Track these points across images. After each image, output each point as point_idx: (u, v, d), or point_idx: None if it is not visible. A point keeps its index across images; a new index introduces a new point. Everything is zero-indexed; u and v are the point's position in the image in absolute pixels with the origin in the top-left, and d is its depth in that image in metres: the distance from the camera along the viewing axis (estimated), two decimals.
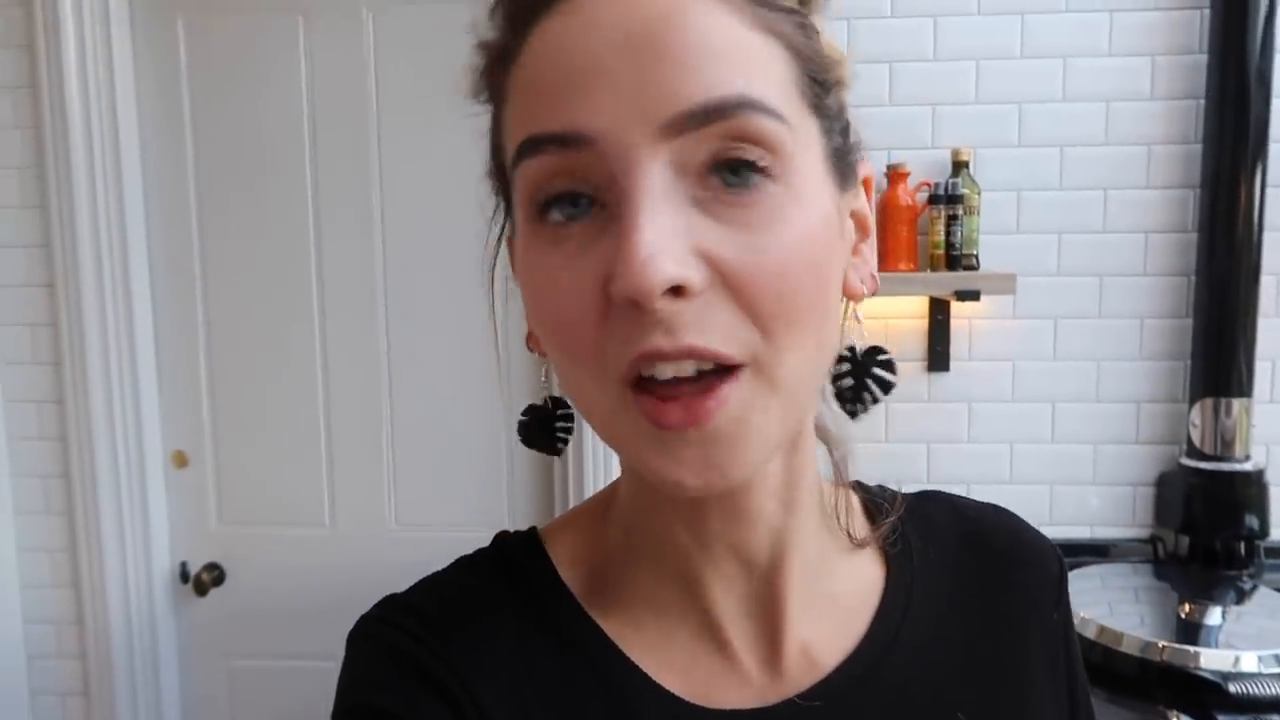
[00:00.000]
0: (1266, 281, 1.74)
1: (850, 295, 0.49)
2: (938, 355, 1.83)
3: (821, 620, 0.53)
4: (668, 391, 0.41)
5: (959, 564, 0.58)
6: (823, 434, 0.56)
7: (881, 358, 0.51)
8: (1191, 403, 1.77)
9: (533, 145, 0.42)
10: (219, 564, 2.03)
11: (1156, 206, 1.78)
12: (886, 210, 1.75)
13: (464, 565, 0.55)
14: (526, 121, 0.42)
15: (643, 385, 0.41)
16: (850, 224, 0.49)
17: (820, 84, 0.45)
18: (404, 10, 1.89)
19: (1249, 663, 1.38)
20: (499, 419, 1.96)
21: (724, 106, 0.40)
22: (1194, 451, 1.77)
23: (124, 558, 1.96)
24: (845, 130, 0.48)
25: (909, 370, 1.85)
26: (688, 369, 0.40)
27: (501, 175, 0.50)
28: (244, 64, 1.93)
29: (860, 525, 0.58)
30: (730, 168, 0.41)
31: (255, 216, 1.95)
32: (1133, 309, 1.81)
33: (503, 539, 0.57)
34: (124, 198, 1.91)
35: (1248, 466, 1.74)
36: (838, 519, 0.56)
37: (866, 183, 0.51)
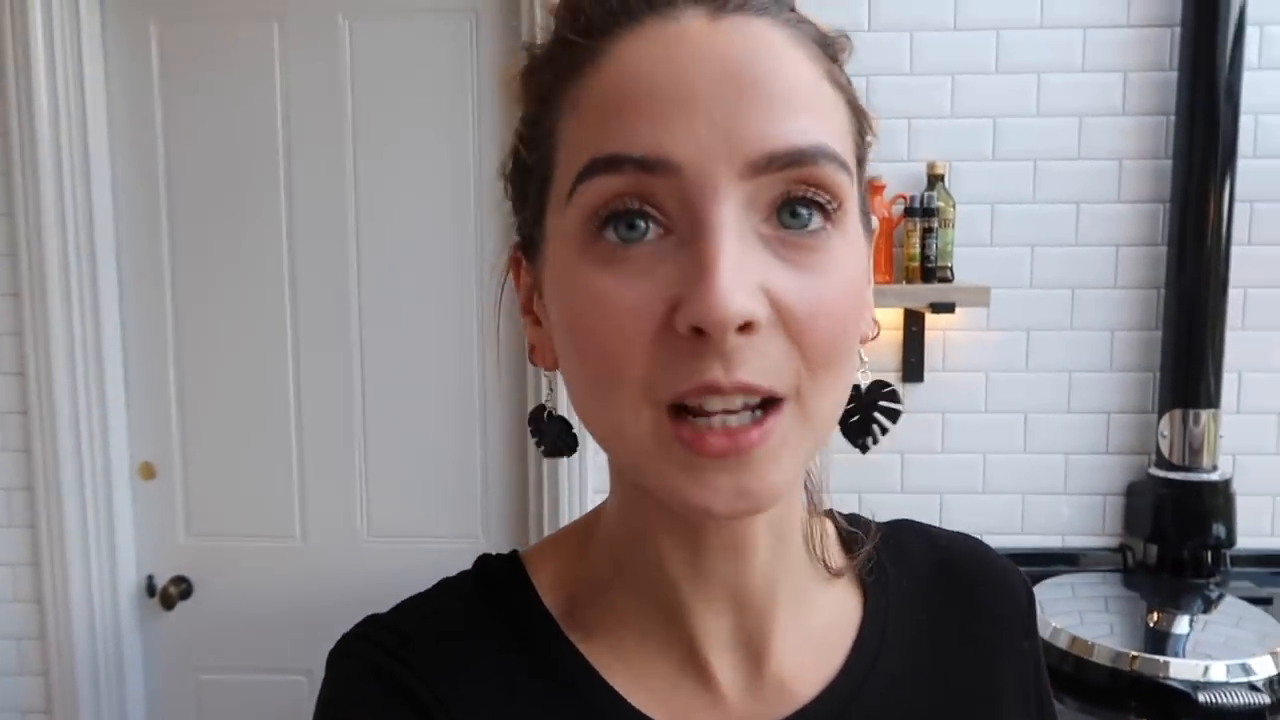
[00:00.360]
0: (1234, 294, 1.77)
1: (860, 339, 0.50)
2: (912, 367, 1.85)
3: (801, 651, 0.54)
4: (709, 422, 0.41)
5: (932, 593, 0.59)
6: None
7: (885, 390, 0.53)
8: (1160, 413, 1.79)
9: (611, 164, 0.41)
10: (187, 577, 2.00)
11: (1127, 220, 1.81)
12: None
13: (445, 587, 0.55)
14: (602, 138, 0.42)
15: (679, 413, 0.42)
16: None
17: (861, 146, 0.47)
18: (381, 20, 1.88)
19: (1218, 672, 1.40)
20: (473, 430, 1.95)
21: (807, 154, 0.41)
22: (1163, 462, 1.79)
23: (89, 571, 1.92)
24: (865, 190, 0.50)
25: None
26: (736, 404, 0.41)
27: (531, 188, 0.48)
28: (218, 71, 1.90)
29: (836, 554, 0.58)
30: (793, 209, 0.42)
31: (227, 226, 1.93)
32: (1103, 321, 1.83)
33: (484, 562, 0.57)
34: (93, 206, 1.87)
35: (1215, 476, 1.77)
36: (814, 549, 0.56)
37: (873, 237, 0.53)
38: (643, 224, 0.41)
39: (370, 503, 1.97)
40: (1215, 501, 1.77)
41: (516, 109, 0.50)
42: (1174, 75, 1.77)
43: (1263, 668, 1.40)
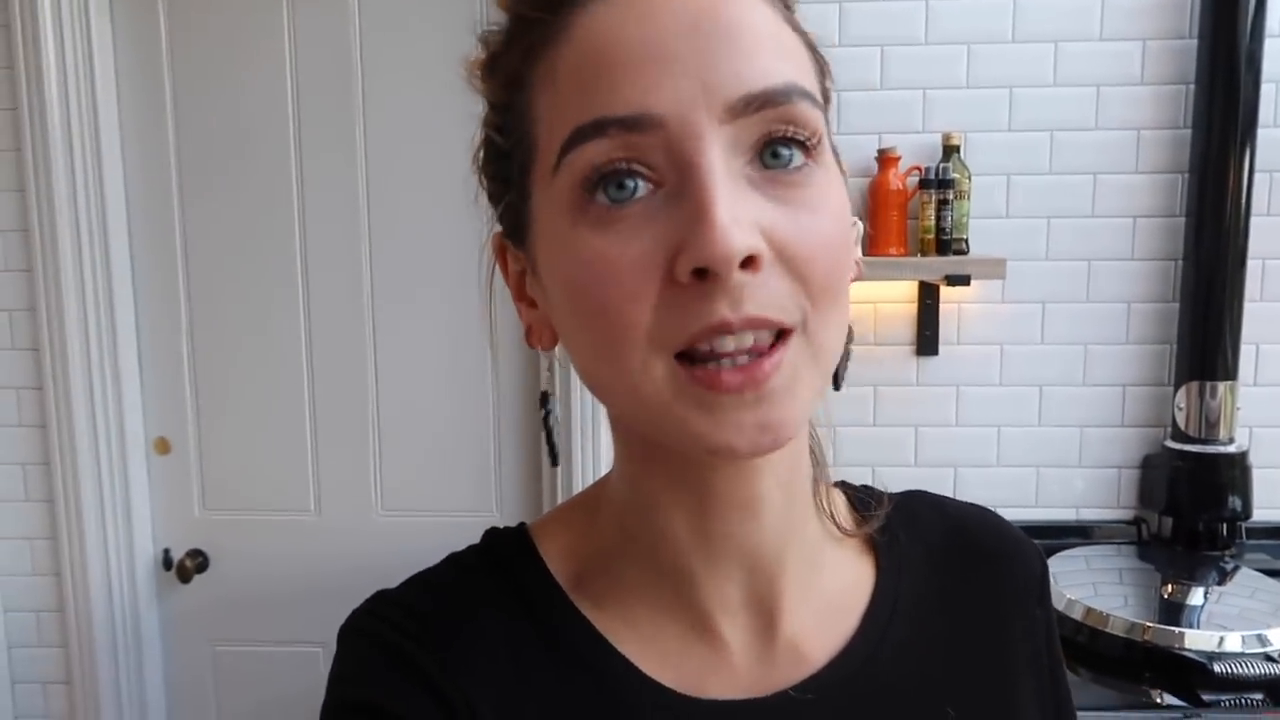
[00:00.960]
0: (1252, 266, 1.75)
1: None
2: (926, 340, 1.84)
3: (813, 615, 0.54)
4: (720, 363, 0.42)
5: (945, 562, 0.60)
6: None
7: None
8: (1177, 386, 1.78)
9: (596, 128, 0.42)
10: (202, 550, 2.01)
11: (1145, 191, 1.79)
12: (877, 195, 1.75)
13: (454, 561, 0.56)
14: (585, 105, 0.42)
15: (690, 361, 0.43)
16: None
17: (824, 87, 0.48)
18: None
19: (1233, 643, 1.40)
20: (487, 404, 1.95)
21: (781, 92, 0.42)
22: (1179, 434, 1.78)
23: (105, 545, 1.94)
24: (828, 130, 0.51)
25: (898, 354, 1.85)
26: (748, 341, 0.42)
27: (512, 171, 0.49)
28: (227, 44, 1.89)
29: (846, 519, 0.59)
30: (774, 149, 0.43)
31: (239, 200, 1.92)
32: (1120, 293, 1.82)
33: (492, 535, 0.57)
34: (104, 181, 1.87)
35: (1231, 449, 1.76)
36: (823, 508, 0.56)
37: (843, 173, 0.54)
38: (632, 183, 0.42)
39: (384, 476, 1.98)
40: (1231, 474, 1.76)
41: (479, 100, 0.51)
42: (1194, 43, 1.74)
43: (1279, 639, 1.40)
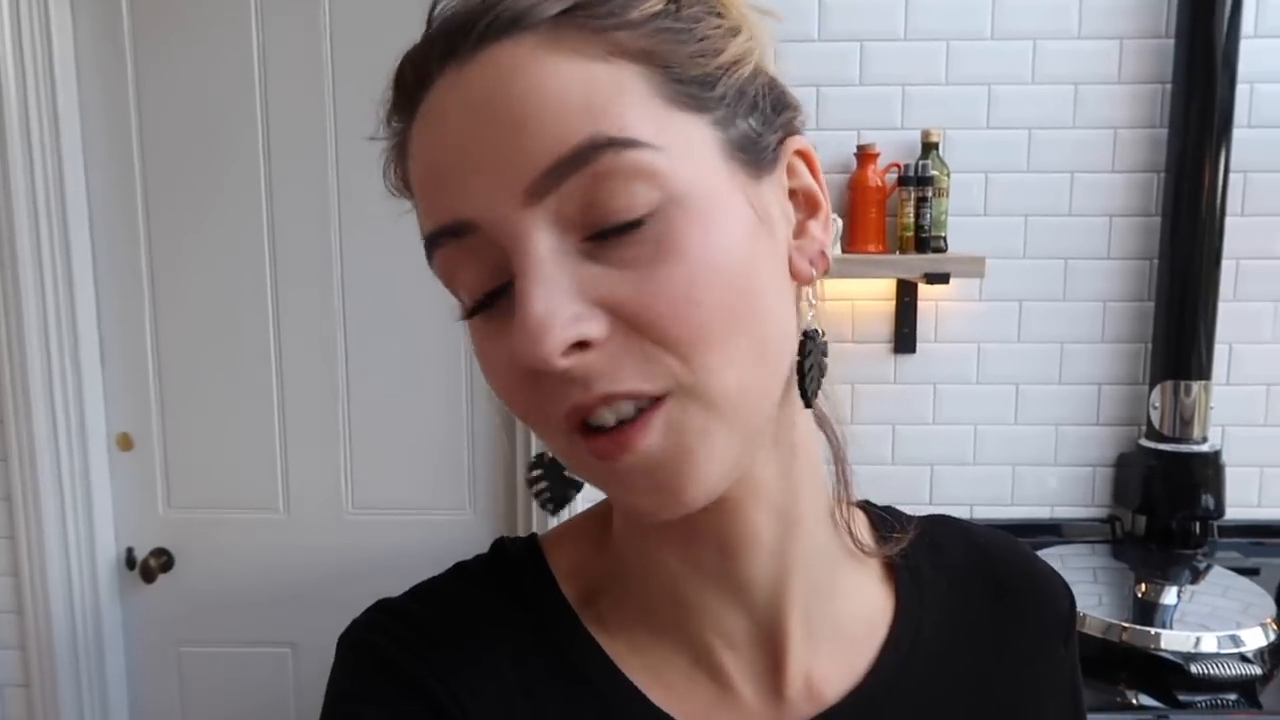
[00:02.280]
0: (1226, 266, 1.76)
1: (797, 279, 0.47)
2: (904, 337, 1.83)
3: (827, 648, 0.52)
4: (606, 430, 0.41)
5: (969, 594, 0.57)
6: (829, 442, 0.54)
7: (815, 340, 0.50)
8: (1152, 385, 1.79)
9: (431, 242, 0.43)
10: (167, 549, 1.97)
11: (1121, 190, 1.79)
12: (856, 191, 1.74)
13: (461, 572, 0.54)
14: (424, 218, 0.44)
15: (589, 428, 0.42)
16: (788, 206, 0.47)
17: (698, 81, 0.43)
18: None
19: (1209, 644, 1.40)
20: (460, 400, 1.92)
21: (577, 156, 0.39)
22: (1153, 433, 1.79)
23: (66, 543, 1.89)
24: (756, 108, 0.45)
25: (875, 352, 1.84)
26: (627, 409, 0.40)
27: None
28: (192, 32, 1.84)
29: (867, 541, 0.56)
30: (614, 229, 0.40)
31: (205, 190, 1.87)
32: (1096, 292, 1.82)
33: (501, 546, 0.55)
34: (63, 169, 1.82)
35: (1205, 448, 1.77)
36: (840, 526, 0.54)
37: (804, 155, 0.48)
38: (497, 290, 0.42)
39: (354, 474, 1.94)
40: (1205, 473, 1.77)
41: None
42: (1171, 43, 1.75)
43: (1253, 639, 1.41)
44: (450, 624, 0.50)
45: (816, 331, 0.49)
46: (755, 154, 0.45)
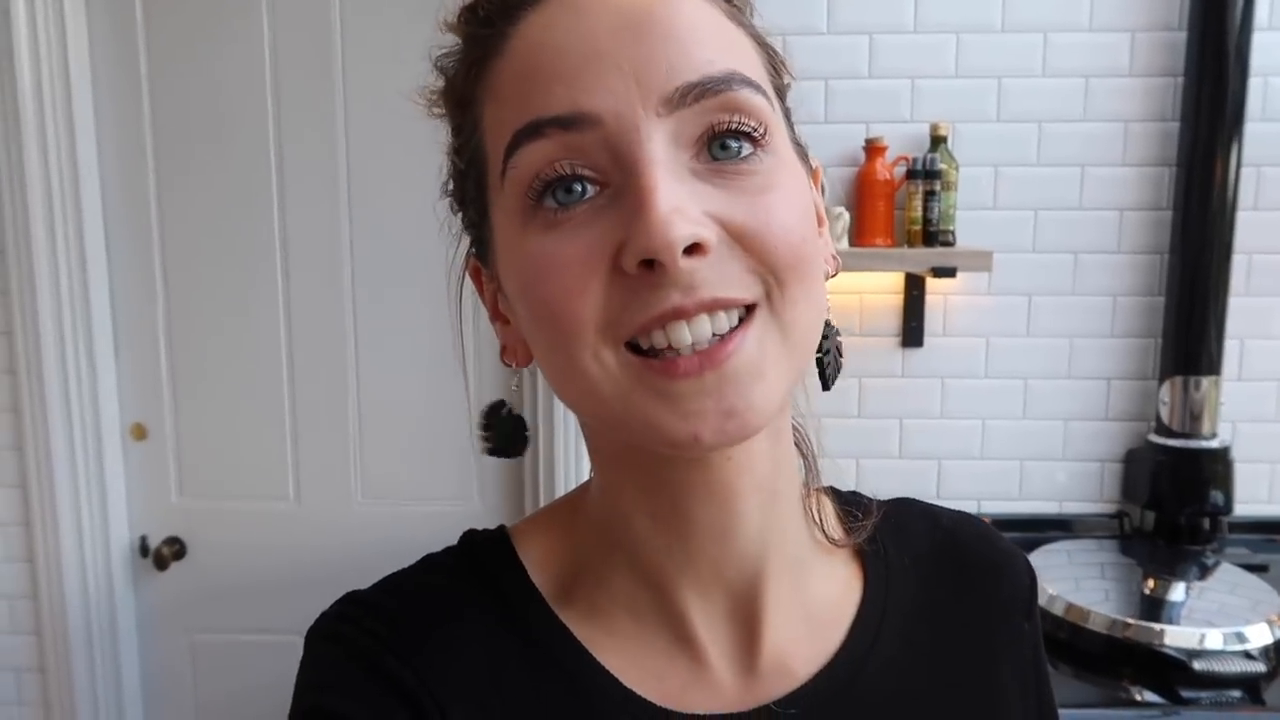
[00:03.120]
0: (1238, 260, 1.74)
1: (821, 265, 0.50)
2: (912, 331, 1.82)
3: (798, 629, 0.53)
4: (677, 353, 0.42)
5: (933, 573, 0.58)
6: (795, 430, 0.55)
7: (834, 331, 0.53)
8: (1161, 380, 1.78)
9: (534, 129, 0.42)
10: (180, 538, 1.99)
11: (1132, 184, 1.78)
12: (863, 185, 1.73)
13: (429, 563, 0.54)
14: (522, 110, 0.43)
15: (646, 355, 0.42)
16: (815, 202, 0.51)
17: (780, 79, 0.49)
18: None
19: (1214, 640, 1.39)
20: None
21: (720, 80, 0.42)
22: (1162, 428, 1.78)
23: (80, 531, 1.91)
24: (792, 125, 0.50)
25: (883, 346, 1.84)
26: (706, 330, 0.41)
27: (469, 189, 0.50)
28: (204, 23, 1.85)
29: (835, 530, 0.57)
30: (722, 141, 0.43)
31: (216, 181, 1.89)
32: (1106, 286, 1.81)
33: (470, 537, 0.55)
34: (78, 161, 1.83)
35: (1214, 444, 1.76)
36: (812, 517, 0.55)
37: (816, 175, 0.53)
38: (579, 187, 0.42)
39: (364, 464, 1.96)
40: (1214, 469, 1.76)
41: (445, 128, 0.52)
42: (1182, 35, 1.73)
43: (1258, 636, 1.40)
44: (420, 615, 0.50)
45: (831, 323, 0.51)
46: (802, 157, 0.49)
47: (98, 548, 1.93)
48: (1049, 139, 1.77)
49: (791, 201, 0.44)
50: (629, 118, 0.41)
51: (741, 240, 0.42)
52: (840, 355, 0.54)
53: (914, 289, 1.81)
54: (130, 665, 2.02)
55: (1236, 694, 1.35)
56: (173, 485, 1.99)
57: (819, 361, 0.52)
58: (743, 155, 0.43)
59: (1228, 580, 1.63)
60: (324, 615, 0.51)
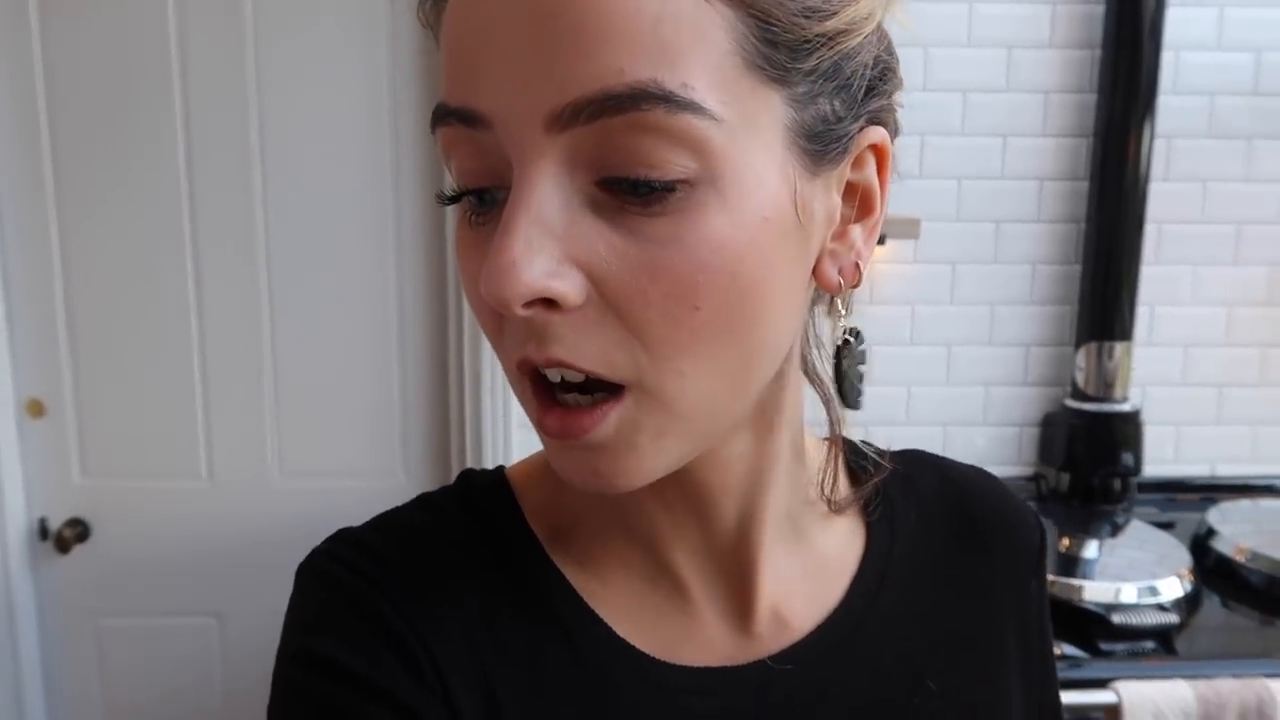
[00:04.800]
0: (1149, 230, 1.80)
1: (822, 286, 0.44)
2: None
3: (796, 583, 0.52)
4: (554, 396, 0.40)
5: (940, 528, 0.57)
6: (813, 380, 0.53)
7: (850, 347, 0.49)
8: (1078, 346, 1.83)
9: (439, 115, 0.40)
10: (83, 519, 1.89)
11: (1051, 154, 1.82)
12: None
13: (425, 502, 0.52)
14: (442, 86, 0.40)
15: (534, 382, 0.40)
16: (836, 204, 0.43)
17: (791, 47, 0.38)
18: None
19: (1129, 594, 1.45)
20: (392, 362, 1.87)
21: (626, 96, 0.35)
22: (1078, 393, 1.84)
23: None
24: (847, 88, 0.40)
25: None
26: (575, 375, 0.38)
27: None
28: None
29: (842, 485, 0.55)
30: (616, 180, 0.36)
31: (117, 139, 1.78)
32: (1026, 254, 1.85)
33: (468, 477, 0.53)
34: None
35: (1126, 407, 1.82)
36: (821, 485, 0.53)
37: (879, 151, 0.43)
38: (491, 195, 0.39)
39: (282, 440, 1.89)
40: (1125, 431, 1.83)
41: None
42: (1101, 8, 1.77)
43: (1169, 589, 1.46)
44: (413, 555, 0.48)
45: (856, 336, 0.47)
46: (823, 144, 0.40)
47: None
48: (973, 109, 1.80)
49: (708, 252, 0.36)
50: (516, 130, 0.36)
51: (613, 305, 0.37)
52: (862, 365, 0.49)
53: None
54: (30, 655, 1.91)
55: (1151, 645, 1.41)
56: (74, 464, 1.88)
57: (837, 378, 0.49)
58: (649, 196, 0.36)
59: (1138, 537, 1.70)
60: (316, 551, 0.49)
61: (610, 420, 0.39)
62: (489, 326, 0.41)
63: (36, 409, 1.85)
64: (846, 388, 0.49)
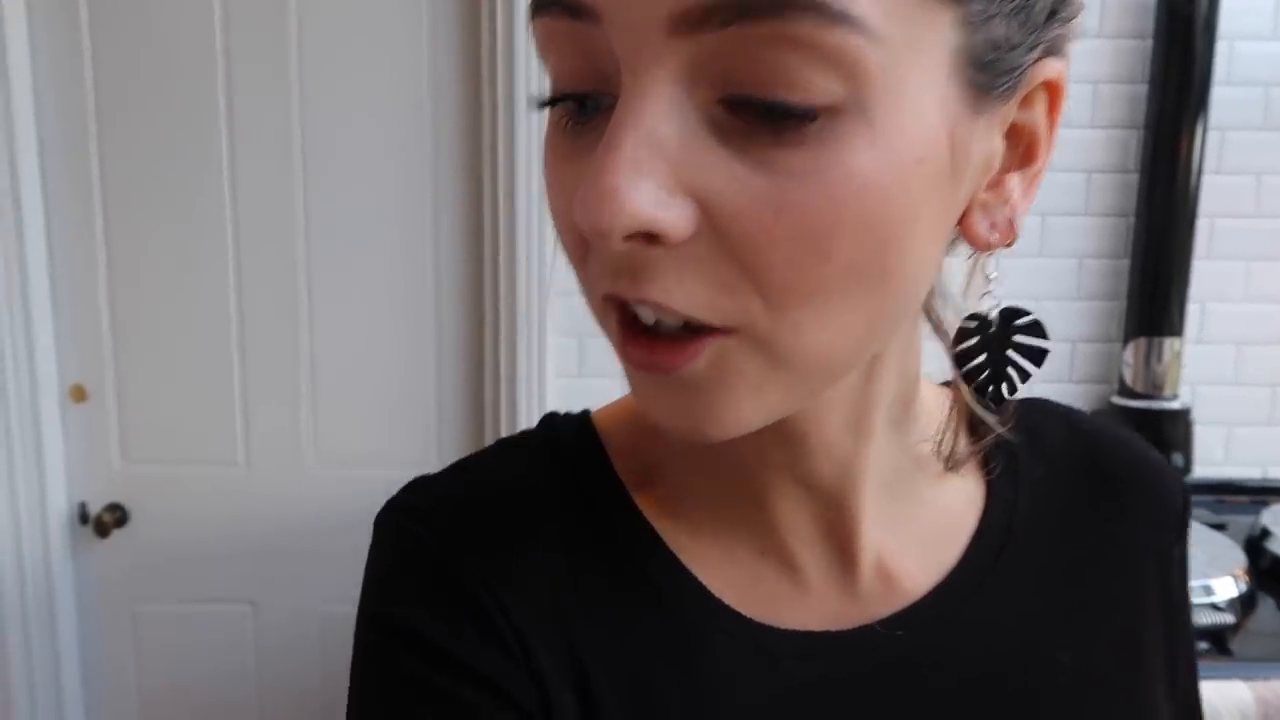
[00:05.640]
0: (1201, 224, 1.76)
1: (970, 242, 0.39)
2: None
3: (910, 542, 0.47)
4: (641, 328, 0.35)
5: (1070, 485, 0.51)
6: (937, 330, 0.47)
7: (1022, 322, 0.42)
8: (1126, 342, 1.79)
9: (540, 2, 0.34)
10: (122, 504, 1.90)
11: (1101, 146, 1.78)
12: None
13: (506, 448, 0.49)
14: None
15: (621, 315, 0.36)
16: (998, 148, 0.37)
17: None
18: None
19: None
20: (427, 350, 1.87)
21: (763, 3, 0.29)
22: (1126, 390, 1.79)
23: (15, 498, 1.81)
24: (1026, 9, 0.34)
25: None
26: (672, 319, 0.34)
27: None
28: None
29: (962, 440, 0.49)
30: (750, 103, 0.31)
31: (162, 132, 1.80)
32: (1073, 249, 1.81)
33: (551, 421, 0.50)
34: (12, 111, 1.72)
35: (1175, 405, 1.78)
36: (939, 441, 0.47)
37: (1053, 89, 0.38)
38: (595, 101, 0.34)
39: (317, 427, 1.89)
40: (1175, 431, 1.78)
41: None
42: None
43: (1224, 589, 1.42)
44: (492, 508, 0.45)
45: (984, 317, 0.40)
46: (992, 75, 0.35)
47: (34, 515, 1.84)
48: None
49: (848, 192, 0.31)
50: (632, 27, 0.31)
51: (727, 243, 0.32)
52: (1011, 358, 0.41)
53: None
54: (68, 638, 1.93)
55: (1205, 645, 1.36)
56: (115, 449, 1.89)
57: (976, 372, 0.42)
58: (784, 122, 0.31)
59: (1191, 538, 1.65)
60: (391, 503, 0.47)
61: (706, 357, 0.34)
62: (574, 251, 0.37)
63: (79, 394, 1.87)
64: (989, 388, 0.41)
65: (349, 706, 0.44)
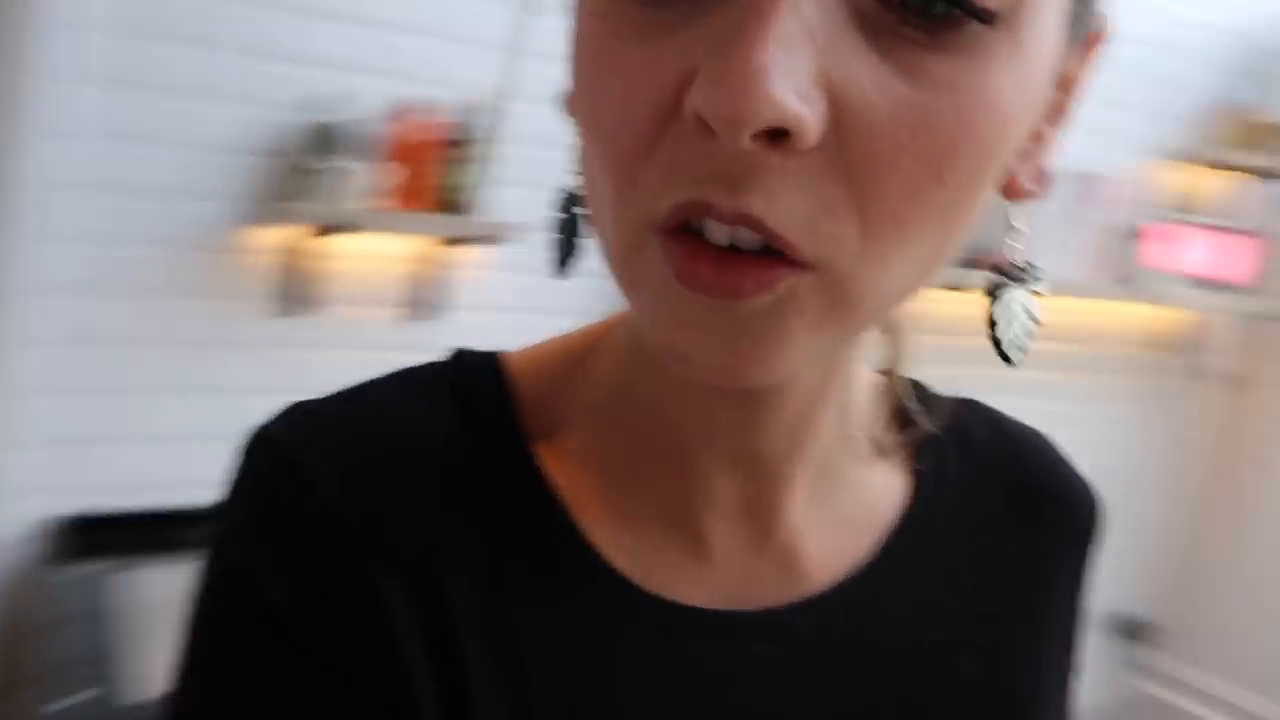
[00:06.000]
0: None
1: (1009, 193, 0.36)
2: None
3: (825, 529, 0.44)
4: (706, 246, 0.30)
5: (990, 492, 0.49)
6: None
7: (1034, 276, 0.39)
8: None
9: None
10: None
11: None
12: None
13: (407, 381, 0.43)
14: None
15: (677, 234, 0.31)
16: (1051, 92, 0.35)
17: None
18: None
19: None
20: None
21: None
22: None
23: None
24: None
25: None
26: (746, 240, 0.29)
27: None
28: None
29: (888, 433, 0.48)
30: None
31: None
32: None
33: (460, 358, 0.44)
34: None
35: None
36: (870, 425, 0.46)
37: (1093, 39, 0.35)
38: None
39: None
40: None
41: None
42: None
43: None
44: (373, 449, 0.40)
45: (1027, 271, 0.38)
46: (1086, 11, 0.34)
47: None
48: None
49: (985, 112, 0.29)
50: None
51: (853, 147, 0.28)
52: (1028, 320, 0.39)
53: None
54: None
55: None
56: None
57: (992, 329, 0.38)
58: (950, 19, 0.28)
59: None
60: (262, 430, 0.40)
61: (776, 291, 0.30)
62: (630, 153, 0.30)
63: None
64: (1005, 343, 0.38)
65: (182, 642, 0.39)
